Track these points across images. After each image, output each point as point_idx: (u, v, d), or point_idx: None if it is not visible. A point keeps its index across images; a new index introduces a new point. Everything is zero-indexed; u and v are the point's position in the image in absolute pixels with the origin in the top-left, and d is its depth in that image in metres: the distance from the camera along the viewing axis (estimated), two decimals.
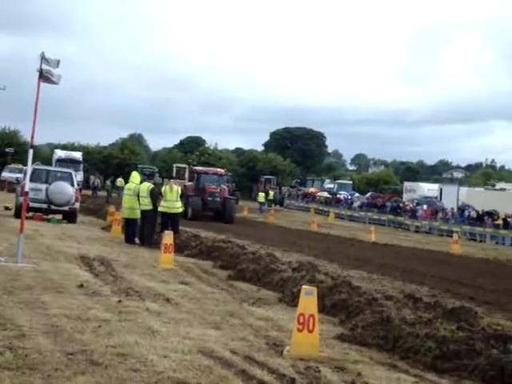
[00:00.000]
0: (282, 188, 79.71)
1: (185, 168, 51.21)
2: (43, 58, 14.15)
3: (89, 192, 58.82)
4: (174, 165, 52.91)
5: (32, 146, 14.80)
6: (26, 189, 15.63)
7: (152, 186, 21.65)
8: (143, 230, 21.35)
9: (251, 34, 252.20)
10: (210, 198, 40.42)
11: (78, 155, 64.47)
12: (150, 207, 21.22)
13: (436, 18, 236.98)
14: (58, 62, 14.26)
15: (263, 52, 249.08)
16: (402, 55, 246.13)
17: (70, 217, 27.85)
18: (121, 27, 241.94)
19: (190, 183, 43.33)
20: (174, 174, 49.20)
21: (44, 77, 14.22)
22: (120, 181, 60.59)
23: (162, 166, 79.23)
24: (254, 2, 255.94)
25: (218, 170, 47.02)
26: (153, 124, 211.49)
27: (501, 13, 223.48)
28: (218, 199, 40.61)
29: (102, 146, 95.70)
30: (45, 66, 14.19)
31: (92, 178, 64.38)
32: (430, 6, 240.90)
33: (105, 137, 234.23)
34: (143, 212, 21.32)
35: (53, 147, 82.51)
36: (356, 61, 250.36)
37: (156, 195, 21.60)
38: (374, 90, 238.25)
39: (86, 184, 61.79)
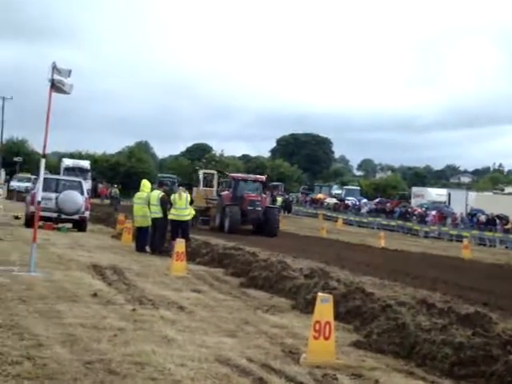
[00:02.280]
0: (290, 194, 79.60)
1: (213, 174, 44.45)
2: (55, 68, 14.19)
3: (97, 201, 58.84)
4: (201, 171, 46.31)
5: (44, 156, 14.84)
6: (39, 198, 15.65)
7: (162, 193, 21.66)
8: (154, 238, 21.38)
9: (258, 40, 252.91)
10: (249, 208, 35.76)
11: (85, 164, 64.71)
12: (160, 215, 21.23)
13: (443, 22, 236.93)
14: (70, 71, 14.30)
15: (270, 58, 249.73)
16: (410, 60, 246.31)
17: (79, 225, 27.91)
18: (128, 35, 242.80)
19: (226, 192, 38.39)
20: (200, 182, 43.06)
21: (55, 87, 14.27)
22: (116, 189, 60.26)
23: (165, 173, 79.50)
24: (261, 9, 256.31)
25: (258, 176, 41.62)
26: (159, 131, 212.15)
27: (508, 16, 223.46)
28: (259, 209, 36.00)
29: (109, 155, 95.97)
30: (56, 76, 14.24)
31: (101, 186, 64.57)
32: (436, 10, 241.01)
33: (111, 145, 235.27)
34: (153, 220, 21.34)
35: (59, 156, 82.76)
36: (363, 66, 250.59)
37: (166, 203, 21.59)
38: (380, 96, 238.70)
39: (93, 193, 61.89)
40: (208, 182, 43.31)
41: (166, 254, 19.91)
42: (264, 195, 38.35)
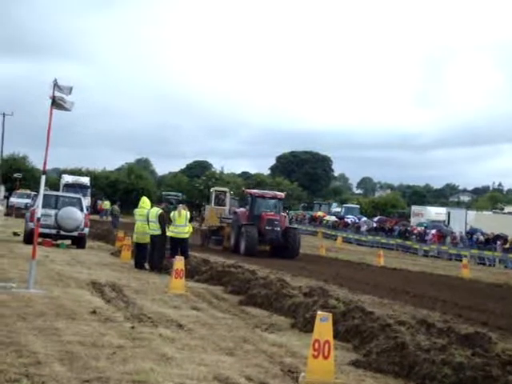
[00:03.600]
0: (290, 212, 79.56)
1: (225, 192, 42.40)
2: (56, 85, 14.23)
3: (96, 217, 58.78)
4: (213, 188, 44.27)
5: (44, 172, 14.84)
6: (38, 215, 15.63)
7: (161, 210, 21.67)
8: (153, 256, 21.35)
9: (259, 57, 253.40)
10: (268, 228, 33.14)
11: (85, 180, 64.66)
12: (158, 232, 21.23)
13: (445, 41, 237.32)
14: (71, 88, 14.33)
15: (271, 76, 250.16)
16: (410, 78, 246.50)
17: (79, 242, 27.91)
18: (127, 52, 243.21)
19: (242, 209, 35.95)
20: (212, 200, 41.17)
21: (56, 104, 14.30)
22: (106, 203, 61.18)
23: (169, 191, 79.58)
24: (261, 27, 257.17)
25: (278, 192, 38.33)
26: (159, 148, 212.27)
27: (508, 34, 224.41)
28: (278, 229, 33.31)
29: (109, 171, 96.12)
30: (57, 93, 14.28)
31: (100, 202, 64.57)
32: (439, 29, 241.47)
33: (111, 161, 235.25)
34: (152, 237, 21.33)
35: (59, 172, 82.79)
36: (363, 84, 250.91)
37: (164, 220, 21.60)
38: (380, 114, 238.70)
39: (93, 209, 61.88)
40: (220, 201, 41.60)
41: (164, 272, 19.89)
42: (283, 214, 36.19)
